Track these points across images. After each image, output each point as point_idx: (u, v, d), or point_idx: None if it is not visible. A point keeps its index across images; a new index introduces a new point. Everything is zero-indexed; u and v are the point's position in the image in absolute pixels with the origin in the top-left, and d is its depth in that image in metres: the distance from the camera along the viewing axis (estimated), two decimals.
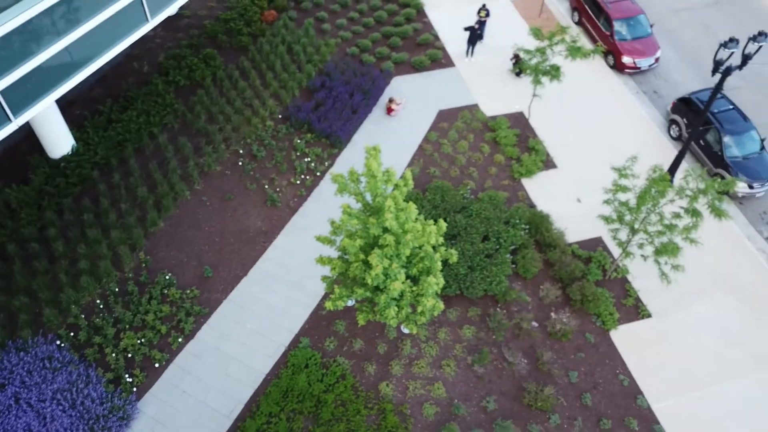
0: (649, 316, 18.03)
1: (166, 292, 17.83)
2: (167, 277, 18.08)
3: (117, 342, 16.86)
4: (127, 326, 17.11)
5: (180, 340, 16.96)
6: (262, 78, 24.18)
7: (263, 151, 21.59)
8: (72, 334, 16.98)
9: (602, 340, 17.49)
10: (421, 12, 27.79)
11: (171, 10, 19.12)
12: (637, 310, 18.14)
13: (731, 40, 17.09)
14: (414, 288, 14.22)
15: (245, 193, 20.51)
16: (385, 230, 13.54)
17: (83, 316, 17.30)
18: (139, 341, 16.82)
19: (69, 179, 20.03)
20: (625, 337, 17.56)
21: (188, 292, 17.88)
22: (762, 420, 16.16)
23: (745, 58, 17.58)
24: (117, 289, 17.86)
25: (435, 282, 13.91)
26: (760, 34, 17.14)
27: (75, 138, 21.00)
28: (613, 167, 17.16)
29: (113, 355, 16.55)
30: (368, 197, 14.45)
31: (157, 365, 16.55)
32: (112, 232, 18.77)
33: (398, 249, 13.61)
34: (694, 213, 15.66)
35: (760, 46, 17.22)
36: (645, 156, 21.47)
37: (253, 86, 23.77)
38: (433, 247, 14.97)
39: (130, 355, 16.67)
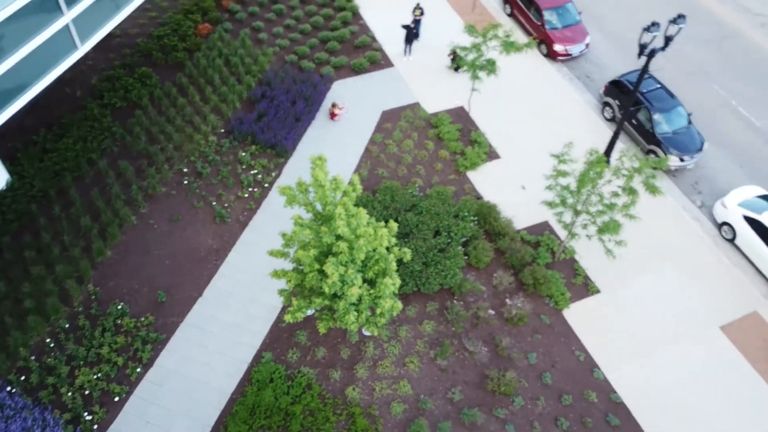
0: (598, 291, 18.73)
1: (119, 322, 17.48)
2: (119, 307, 17.73)
3: (72, 380, 16.42)
4: (82, 362, 16.68)
5: (139, 370, 16.66)
6: (201, 93, 23.90)
7: (208, 168, 21.37)
8: (23, 377, 16.39)
9: (556, 320, 18.07)
10: (356, 15, 27.94)
11: (101, 34, 18.66)
12: (586, 288, 18.80)
13: (653, 24, 17.86)
14: (371, 291, 14.40)
15: (193, 212, 20.28)
16: (338, 237, 13.66)
17: (33, 357, 16.75)
18: (95, 376, 16.40)
19: (5, 216, 19.34)
20: (577, 314, 18.19)
21: (143, 319, 17.59)
22: (705, 375, 17.10)
23: (668, 40, 18.40)
24: (67, 325, 17.39)
25: (391, 283, 14.12)
26: (680, 16, 17.97)
27: (9, 171, 20.31)
28: (552, 154, 17.72)
29: (69, 394, 16.09)
30: (318, 206, 14.54)
31: (117, 399, 16.20)
32: (56, 266, 18.27)
33: (352, 254, 13.74)
34: (631, 191, 16.35)
35: (681, 28, 18.04)
36: (583, 139, 22.25)
37: (193, 102, 23.48)
38: (387, 248, 15.18)
39: (87, 392, 16.24)
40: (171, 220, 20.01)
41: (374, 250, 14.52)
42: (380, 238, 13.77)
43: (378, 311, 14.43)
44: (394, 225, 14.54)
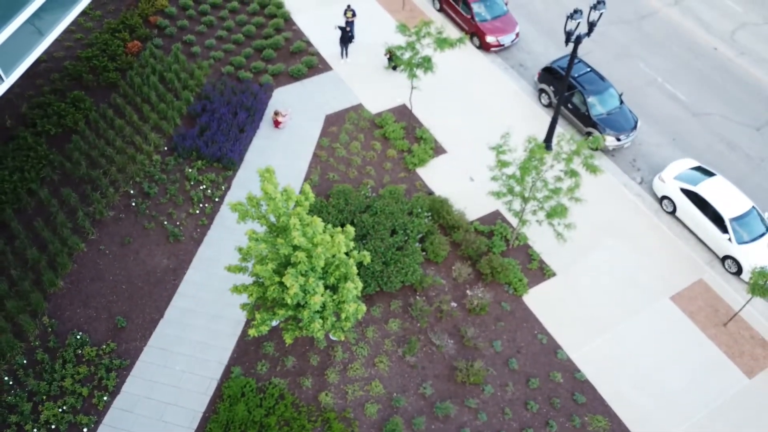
0: (554, 274, 19.44)
1: (80, 352, 17.02)
2: (78, 337, 17.26)
3: (36, 416, 15.92)
4: (45, 397, 16.19)
5: (105, 398, 16.29)
6: (139, 112, 23.37)
7: (155, 187, 20.96)
8: None
9: (517, 306, 18.66)
10: (289, 20, 27.86)
11: (26, 64, 17.96)
12: (542, 272, 19.48)
13: (576, 11, 18.64)
14: (334, 296, 14.53)
15: (144, 234, 19.88)
16: (295, 248, 13.73)
17: None
18: (60, 410, 15.97)
19: None
20: (536, 299, 18.84)
21: (104, 347, 17.17)
22: (660, 345, 18.00)
23: (591, 26, 19.25)
24: (25, 361, 16.82)
25: (354, 287, 14.28)
26: (599, 2, 18.82)
27: None
28: (490, 147, 18.22)
29: (35, 431, 15.62)
30: (272, 218, 14.55)
31: (85, 430, 15.81)
32: (6, 302, 17.59)
33: (311, 263, 13.83)
34: (572, 173, 17.05)
35: (601, 13, 18.91)
36: (523, 126, 23.03)
37: (131, 122, 22.92)
38: (346, 253, 15.33)
39: (54, 427, 15.79)
40: (122, 244, 19.56)
41: (333, 256, 14.65)
42: (338, 245, 13.90)
43: (343, 316, 14.57)
44: (351, 229, 14.70)
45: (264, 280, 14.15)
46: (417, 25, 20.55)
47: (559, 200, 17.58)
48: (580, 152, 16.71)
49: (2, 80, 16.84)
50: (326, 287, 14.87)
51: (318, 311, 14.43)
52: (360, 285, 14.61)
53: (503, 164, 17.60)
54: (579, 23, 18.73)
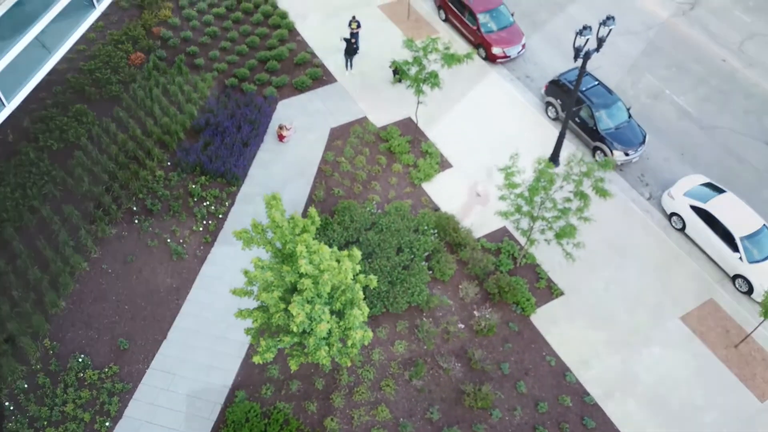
0: (562, 293, 19.16)
1: (82, 375, 16.81)
2: (80, 360, 17.04)
3: None
4: (45, 423, 15.99)
5: (107, 423, 16.07)
6: (143, 126, 23.13)
7: (158, 204, 20.74)
8: None
9: (524, 326, 18.39)
10: (293, 31, 27.58)
11: (27, 90, 17.78)
12: (550, 291, 19.21)
13: (585, 27, 18.37)
14: (341, 322, 14.28)
15: (147, 252, 19.66)
16: (301, 275, 13.48)
17: None
18: None
19: None
20: (544, 319, 18.57)
21: (106, 370, 16.96)
22: (670, 367, 17.73)
23: (600, 41, 18.97)
24: (26, 385, 16.62)
25: (360, 313, 14.03)
26: (609, 18, 18.55)
27: None
28: (499, 168, 17.93)
29: None
30: (278, 244, 14.31)
31: None
32: (7, 324, 17.38)
33: (318, 289, 13.59)
34: (582, 196, 16.77)
35: (611, 29, 18.63)
36: (530, 140, 22.80)
37: (135, 137, 22.70)
38: (353, 276, 15.08)
39: None
40: (125, 263, 19.35)
41: (340, 282, 14.39)
42: (345, 272, 13.64)
43: (349, 343, 14.33)
44: (357, 253, 14.44)
45: (269, 307, 13.92)
46: (424, 40, 20.25)
47: (567, 220, 17.31)
48: (590, 174, 16.45)
49: (4, 106, 16.62)
50: (332, 312, 14.63)
51: (324, 338, 14.20)
52: (366, 310, 14.36)
53: (512, 186, 17.34)
54: (588, 39, 18.45)
